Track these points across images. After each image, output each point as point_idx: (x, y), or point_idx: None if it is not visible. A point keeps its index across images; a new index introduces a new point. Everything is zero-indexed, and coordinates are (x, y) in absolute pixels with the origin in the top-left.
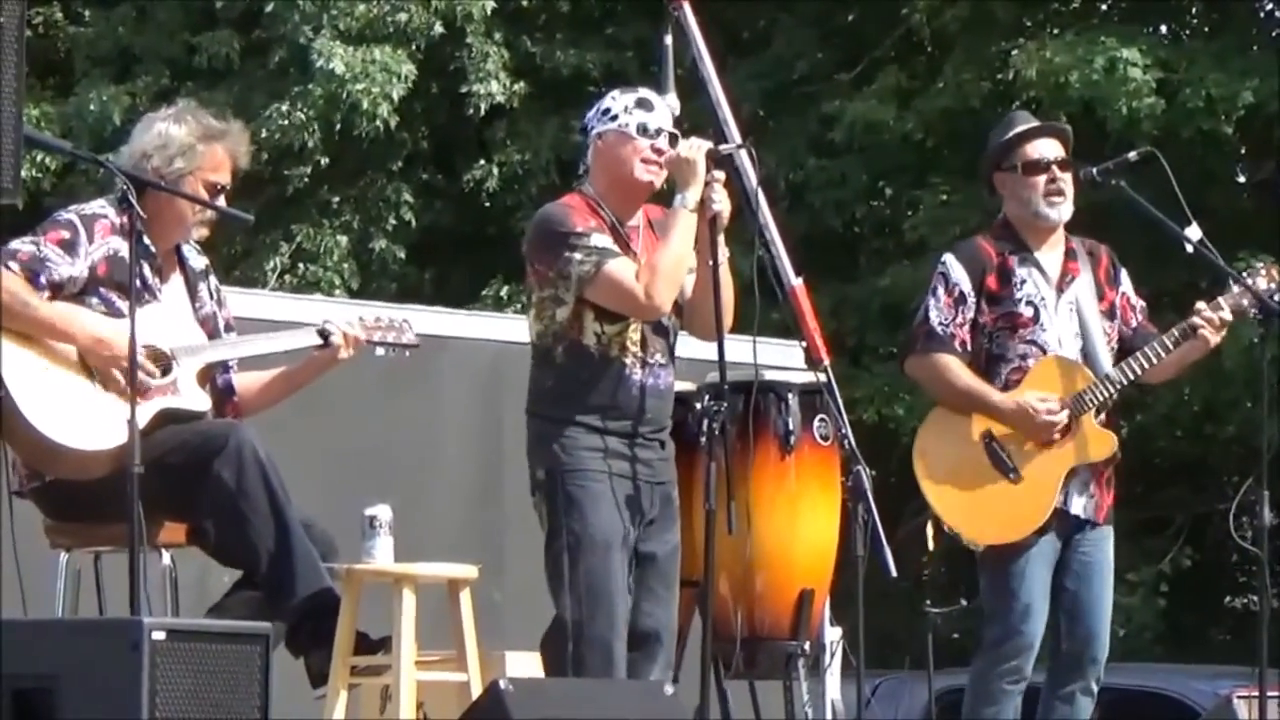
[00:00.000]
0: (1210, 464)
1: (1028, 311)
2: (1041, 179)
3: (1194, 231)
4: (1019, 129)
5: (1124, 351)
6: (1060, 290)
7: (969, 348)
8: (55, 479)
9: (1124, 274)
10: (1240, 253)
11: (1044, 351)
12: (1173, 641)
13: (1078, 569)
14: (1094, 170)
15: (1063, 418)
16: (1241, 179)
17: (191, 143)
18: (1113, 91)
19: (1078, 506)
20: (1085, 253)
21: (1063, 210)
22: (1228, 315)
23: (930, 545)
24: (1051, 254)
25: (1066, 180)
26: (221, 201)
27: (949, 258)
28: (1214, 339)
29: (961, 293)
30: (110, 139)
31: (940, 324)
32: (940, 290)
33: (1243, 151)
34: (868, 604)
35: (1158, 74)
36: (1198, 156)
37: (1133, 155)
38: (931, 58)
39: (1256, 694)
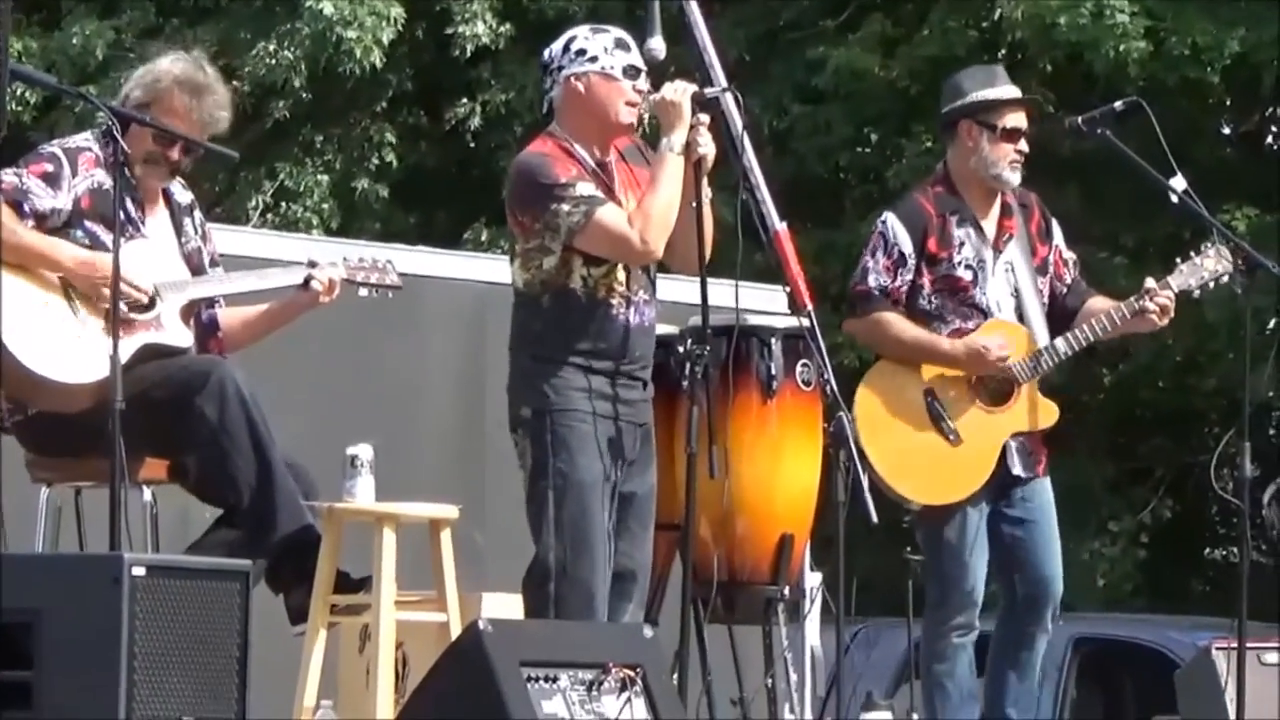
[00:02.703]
0: (1192, 415)
1: (966, 275)
2: (1012, 148)
3: (1179, 182)
4: (1005, 96)
5: (1056, 309)
6: (998, 250)
7: (903, 308)
8: (38, 413)
9: (1056, 227)
10: (1225, 204)
11: (984, 315)
12: (1152, 592)
13: (1022, 516)
14: (1079, 119)
15: (1011, 353)
16: (1226, 130)
17: (160, 78)
18: (1101, 34)
19: (1017, 467)
20: (1019, 205)
21: (1017, 176)
22: (1173, 293)
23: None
24: (989, 212)
25: (1024, 150)
26: (175, 153)
27: (890, 217)
28: (1160, 324)
29: (901, 254)
30: (93, 74)
31: (878, 287)
32: (879, 253)
33: (1228, 103)
34: (848, 550)
35: (1145, 22)
36: (1182, 108)
37: (1118, 105)
38: (918, 4)
39: (1235, 646)
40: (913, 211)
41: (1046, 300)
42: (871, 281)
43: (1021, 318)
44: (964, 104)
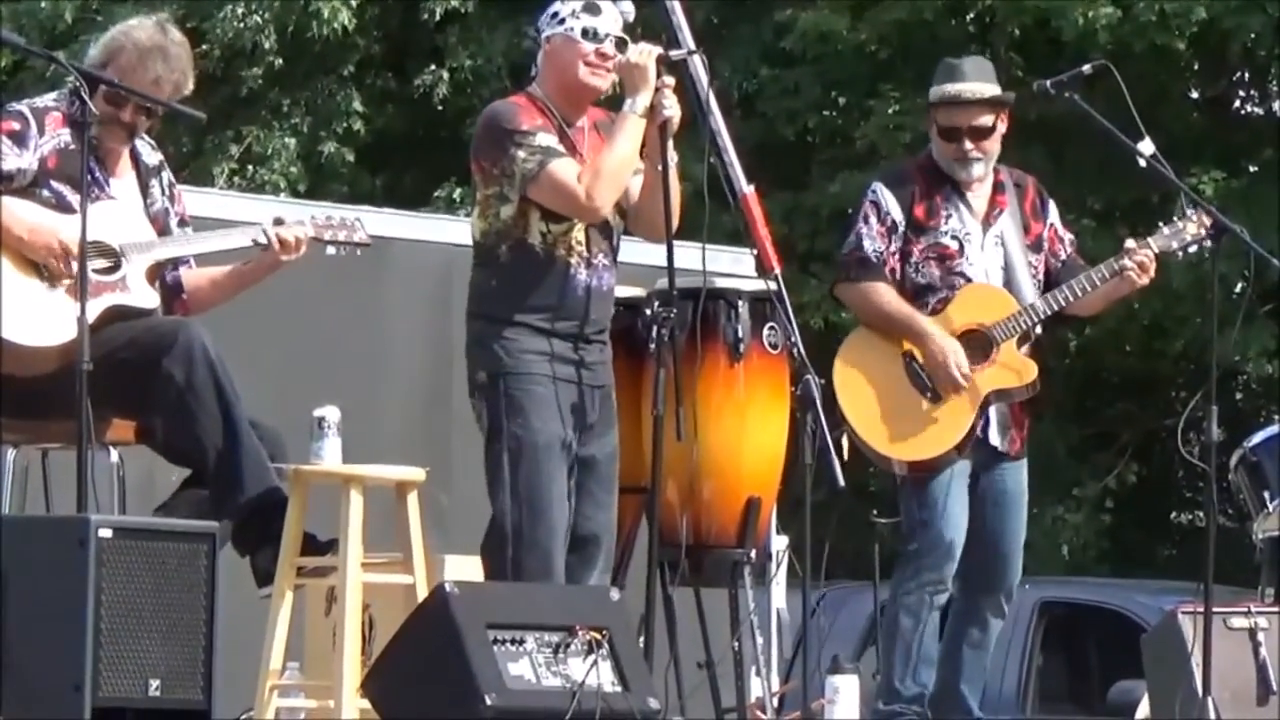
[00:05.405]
0: (1159, 380)
1: (953, 245)
2: (955, 146)
3: (1146, 146)
4: (950, 92)
5: (1051, 285)
6: (987, 224)
7: (898, 276)
8: (3, 375)
9: (1052, 206)
10: (1192, 169)
11: (970, 283)
12: (1119, 557)
13: (995, 498)
14: (1048, 83)
15: (964, 385)
16: (1194, 95)
17: (117, 38)
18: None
19: (995, 439)
20: (1013, 184)
21: (974, 170)
22: (1153, 253)
23: (844, 457)
24: (979, 188)
25: (983, 147)
26: (127, 114)
27: (879, 186)
28: (1140, 282)
29: (894, 221)
30: (61, 37)
31: (874, 252)
32: (873, 219)
33: (1195, 68)
34: (814, 514)
35: None
36: (1150, 72)
37: (1086, 68)
38: None
39: (1202, 610)
40: (901, 179)
41: (1041, 277)
42: (867, 247)
43: (1011, 291)
44: (929, 101)
